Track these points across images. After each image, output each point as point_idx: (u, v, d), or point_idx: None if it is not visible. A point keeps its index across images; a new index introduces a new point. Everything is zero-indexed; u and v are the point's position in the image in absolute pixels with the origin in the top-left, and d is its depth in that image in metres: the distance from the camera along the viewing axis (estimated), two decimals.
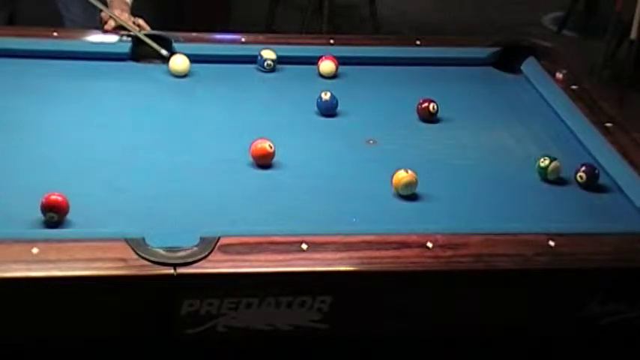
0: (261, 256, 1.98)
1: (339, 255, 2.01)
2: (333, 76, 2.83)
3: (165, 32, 2.91)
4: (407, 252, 2.03)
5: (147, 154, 2.39)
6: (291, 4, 5.35)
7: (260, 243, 2.00)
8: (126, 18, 2.97)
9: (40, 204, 2.06)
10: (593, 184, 2.38)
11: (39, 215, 2.06)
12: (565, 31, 5.77)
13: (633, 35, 4.78)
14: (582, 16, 5.88)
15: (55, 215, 2.05)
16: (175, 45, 2.85)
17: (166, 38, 2.87)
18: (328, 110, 2.64)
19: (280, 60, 2.84)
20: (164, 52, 2.80)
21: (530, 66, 2.94)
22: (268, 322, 1.99)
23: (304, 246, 2.00)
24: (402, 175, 2.28)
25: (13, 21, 3.56)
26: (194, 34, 2.97)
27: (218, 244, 1.98)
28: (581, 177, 2.38)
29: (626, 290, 2.12)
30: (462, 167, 2.45)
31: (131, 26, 2.91)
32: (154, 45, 2.83)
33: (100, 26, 2.97)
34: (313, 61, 2.85)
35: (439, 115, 2.66)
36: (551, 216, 2.27)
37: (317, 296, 1.97)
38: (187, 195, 2.23)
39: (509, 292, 2.08)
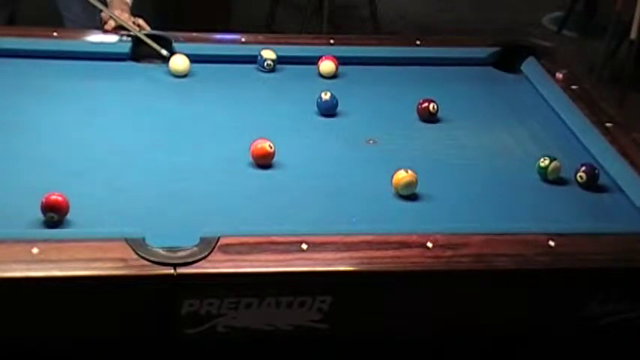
0: (261, 256, 1.98)
1: (339, 255, 2.01)
2: (333, 76, 2.83)
3: (165, 32, 2.91)
4: (407, 252, 2.03)
5: (147, 154, 2.39)
6: (291, 4, 5.35)
7: (260, 243, 2.00)
8: (126, 18, 2.97)
9: (40, 204, 2.06)
10: (593, 184, 2.38)
11: (39, 215, 2.06)
12: (565, 31, 5.78)
13: (633, 35, 4.78)
14: (582, 16, 5.88)
15: (55, 215, 2.05)
16: (175, 45, 2.85)
17: (166, 38, 2.87)
18: (328, 110, 2.64)
19: (280, 60, 2.84)
20: (164, 52, 2.81)
21: (530, 66, 2.94)
22: (268, 322, 1.99)
23: (304, 246, 2.00)
24: (402, 175, 2.28)
25: (13, 21, 3.56)
26: (194, 34, 2.97)
27: (218, 244, 1.98)
28: (581, 177, 2.38)
29: (626, 290, 2.12)
30: (462, 167, 2.45)
31: (131, 26, 2.91)
32: (154, 45, 2.83)
33: (100, 26, 2.97)
34: (313, 61, 2.85)
35: (439, 115, 2.66)
36: (551, 216, 2.27)
37: (317, 296, 1.97)
38: (187, 195, 2.23)
39: (509, 292, 2.08)
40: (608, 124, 2.60)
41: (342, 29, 5.18)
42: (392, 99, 2.77)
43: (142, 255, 1.92)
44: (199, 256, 1.94)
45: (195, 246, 1.96)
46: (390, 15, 5.51)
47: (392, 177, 2.28)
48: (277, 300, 1.96)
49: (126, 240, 1.95)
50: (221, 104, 2.68)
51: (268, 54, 2.83)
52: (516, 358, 2.20)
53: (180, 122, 2.56)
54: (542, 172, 2.39)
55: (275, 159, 2.37)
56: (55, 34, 2.87)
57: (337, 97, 2.64)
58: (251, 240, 2.01)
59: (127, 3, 3.07)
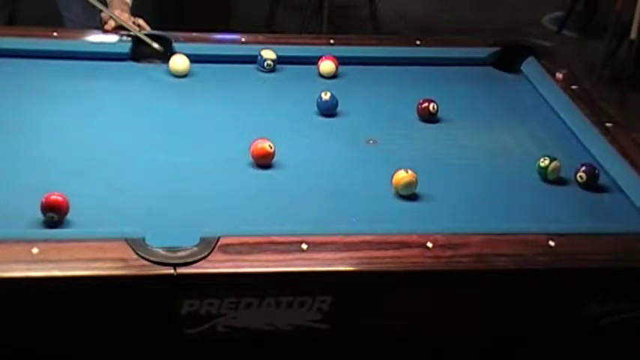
0: (261, 256, 1.98)
1: (339, 255, 2.01)
2: (333, 76, 2.83)
3: (165, 32, 2.91)
4: (407, 252, 2.03)
5: (147, 154, 2.39)
6: (291, 4, 5.35)
7: (260, 243, 2.00)
8: (126, 18, 2.97)
9: (40, 204, 2.06)
10: (593, 184, 2.38)
11: (39, 215, 2.06)
12: (565, 31, 5.78)
13: (633, 35, 4.78)
14: (582, 16, 5.88)
15: (55, 215, 2.05)
16: (175, 45, 2.85)
17: (166, 38, 2.87)
18: (328, 110, 2.64)
19: (280, 60, 2.84)
20: (155, 45, 2.80)
21: (530, 66, 2.94)
22: (268, 322, 1.99)
23: (304, 246, 2.00)
24: (402, 175, 2.28)
25: (14, 21, 3.56)
26: (194, 34, 2.96)
27: (218, 244, 1.98)
28: (581, 177, 2.38)
29: (626, 290, 2.12)
30: (461, 167, 2.45)
31: (131, 26, 2.91)
32: (154, 44, 2.82)
33: (100, 26, 2.97)
34: (313, 61, 2.85)
35: (439, 115, 2.66)
36: (551, 216, 2.27)
37: (317, 296, 1.97)
38: (187, 195, 2.23)
39: (509, 292, 2.08)
40: (608, 124, 2.60)
41: (342, 29, 5.18)
42: (392, 99, 2.77)
43: (142, 255, 1.92)
44: (199, 256, 1.94)
45: (195, 246, 1.96)
46: (390, 15, 5.51)
47: (392, 177, 2.28)
48: (277, 300, 1.96)
49: (126, 240, 1.95)
50: (221, 104, 2.68)
51: (268, 54, 2.83)
52: (516, 358, 2.20)
53: (180, 122, 2.56)
54: (542, 172, 2.39)
55: (275, 159, 2.37)
56: (55, 34, 2.87)
57: (337, 97, 2.64)
58: (251, 240, 2.01)
59: (126, 3, 3.07)
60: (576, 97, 2.74)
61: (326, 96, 2.63)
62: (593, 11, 5.93)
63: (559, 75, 2.87)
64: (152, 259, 1.92)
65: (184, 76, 2.76)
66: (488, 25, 5.56)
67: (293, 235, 2.03)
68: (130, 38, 2.87)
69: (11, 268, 1.90)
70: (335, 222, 2.15)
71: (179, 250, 1.95)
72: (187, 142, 2.47)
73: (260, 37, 3.06)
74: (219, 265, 1.95)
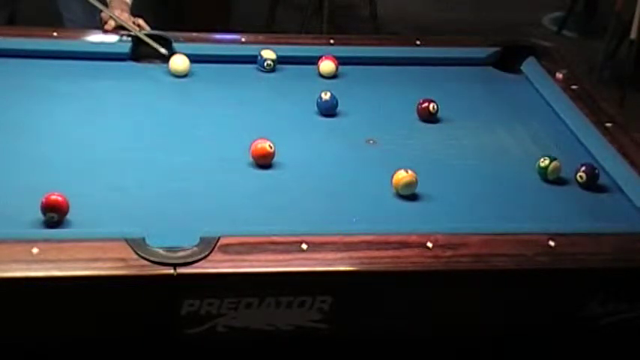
0: (261, 256, 1.98)
1: (339, 255, 2.01)
2: (333, 76, 2.83)
3: (165, 32, 2.91)
4: (407, 252, 2.03)
5: (147, 154, 2.39)
6: (291, 4, 5.35)
7: (260, 243, 2.00)
8: (126, 18, 2.96)
9: (40, 204, 2.06)
10: (593, 184, 2.38)
11: (39, 215, 2.06)
12: (565, 31, 5.78)
13: (633, 35, 4.78)
14: (582, 16, 5.89)
15: (55, 215, 2.05)
16: (175, 45, 2.84)
17: (166, 38, 2.87)
18: (328, 110, 2.64)
19: (280, 60, 2.84)
20: (163, 50, 2.80)
21: (530, 66, 2.94)
22: (268, 322, 1.99)
23: (304, 246, 2.00)
24: (402, 175, 2.28)
25: (13, 21, 3.56)
26: (194, 34, 2.96)
27: (218, 244, 1.98)
28: (581, 177, 2.38)
29: (626, 290, 2.12)
30: (462, 167, 2.45)
31: (131, 26, 2.91)
32: (154, 44, 2.82)
33: (100, 26, 2.97)
34: (313, 61, 2.85)
35: (439, 115, 2.66)
36: (551, 216, 2.27)
37: (317, 296, 1.97)
38: (187, 195, 2.23)
39: (509, 292, 2.08)
40: (608, 124, 2.60)
41: (342, 29, 5.18)
42: (392, 99, 2.77)
43: (142, 255, 1.92)
44: (199, 256, 1.94)
45: (195, 246, 1.96)
46: (390, 15, 5.51)
47: (392, 177, 2.28)
48: (277, 300, 1.96)
49: (126, 240, 1.95)
50: (221, 104, 2.68)
51: (268, 54, 2.83)
52: (516, 358, 2.20)
53: (180, 122, 2.56)
54: (542, 172, 2.39)
55: (275, 159, 2.37)
56: (55, 34, 2.87)
57: (337, 97, 2.64)
58: (251, 240, 2.01)
59: (126, 3, 3.06)
60: (576, 97, 2.74)
61: (326, 96, 2.63)
62: (593, 11, 5.93)
63: (559, 75, 2.87)
64: (152, 259, 1.92)
65: (184, 76, 2.76)
66: (489, 25, 5.56)
67: (293, 235, 2.03)
68: (129, 38, 2.87)
69: (11, 268, 1.89)
70: (335, 222, 2.15)
71: (179, 250, 1.95)
72: (187, 142, 2.47)
73: (260, 37, 3.06)
74: (219, 265, 1.95)
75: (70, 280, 1.90)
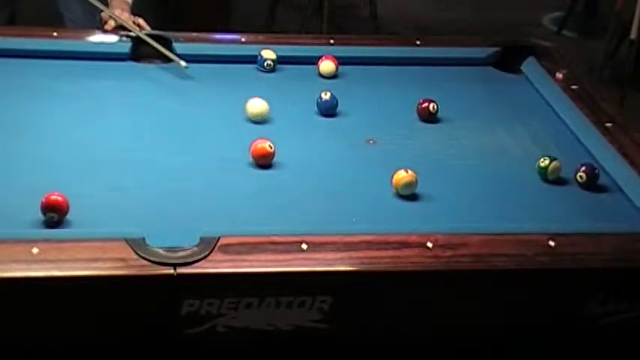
0: (261, 256, 1.98)
1: (339, 255, 2.01)
2: (333, 76, 2.83)
3: (165, 32, 2.91)
4: (407, 252, 2.03)
5: (147, 154, 2.39)
6: (291, 4, 5.35)
7: (260, 243, 2.00)
8: (126, 17, 2.96)
9: (40, 204, 2.06)
10: (593, 184, 2.38)
11: (39, 215, 2.06)
12: (565, 31, 5.78)
13: (633, 35, 4.78)
14: (582, 16, 5.89)
15: (55, 215, 2.05)
16: (175, 45, 2.84)
17: (166, 38, 2.87)
18: (328, 110, 2.64)
19: (280, 60, 2.84)
20: (183, 62, 2.74)
21: (530, 66, 2.94)
22: (268, 322, 1.99)
23: (304, 246, 2.00)
24: (402, 175, 2.28)
25: (14, 21, 3.56)
26: (194, 34, 2.96)
27: (218, 244, 1.98)
28: (581, 177, 2.38)
29: (626, 290, 2.12)
30: (462, 167, 2.45)
31: (131, 26, 2.91)
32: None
33: (100, 26, 2.97)
34: (313, 61, 2.85)
35: (439, 115, 2.66)
36: (551, 216, 2.27)
37: (317, 296, 1.97)
38: (187, 195, 2.23)
39: (509, 292, 2.08)
40: (608, 124, 2.60)
41: (342, 29, 5.18)
42: (392, 99, 2.77)
43: (142, 255, 1.92)
44: (199, 256, 1.94)
45: (195, 246, 1.96)
46: (390, 15, 5.51)
47: (392, 177, 2.28)
48: (277, 300, 1.96)
49: (126, 240, 1.95)
50: (221, 104, 2.68)
51: (268, 54, 2.83)
52: (516, 358, 2.20)
53: (180, 122, 2.56)
54: (542, 172, 2.39)
55: (275, 159, 2.37)
56: (55, 34, 2.87)
57: (337, 97, 2.64)
58: (251, 240, 2.01)
59: (127, 2, 3.06)
60: (576, 97, 2.74)
61: (326, 96, 2.63)
62: (593, 11, 5.93)
63: (559, 75, 2.87)
64: (152, 259, 1.92)
65: (262, 121, 2.56)
66: (489, 25, 5.56)
67: (293, 235, 2.03)
68: (129, 38, 2.87)
69: (11, 268, 1.89)
70: (335, 222, 2.15)
71: (179, 250, 1.95)
72: (187, 142, 2.47)
73: (260, 37, 3.06)
74: (219, 265, 1.95)
75: (70, 280, 1.90)
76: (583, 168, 2.39)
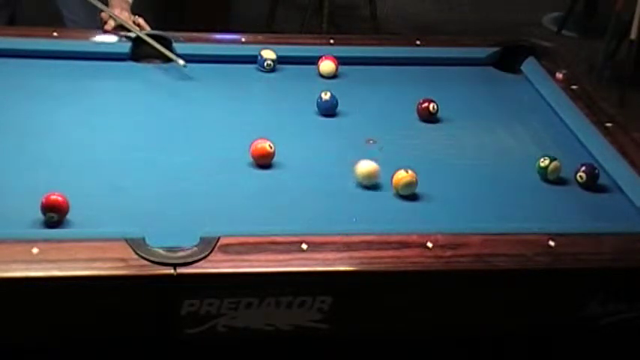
0: (261, 256, 1.98)
1: (339, 255, 2.01)
2: (333, 76, 2.83)
3: (165, 32, 2.91)
4: (407, 252, 2.03)
5: (147, 154, 2.39)
6: (291, 4, 5.35)
7: (260, 243, 2.00)
8: (126, 17, 2.96)
9: (40, 204, 2.06)
10: (593, 184, 2.38)
11: (39, 215, 2.06)
12: (565, 31, 5.78)
13: (633, 35, 4.78)
14: (582, 16, 5.88)
15: (55, 215, 2.05)
16: (175, 45, 2.84)
17: (166, 38, 2.87)
18: (328, 110, 2.64)
19: (280, 60, 2.84)
20: (181, 61, 2.75)
21: (530, 66, 2.94)
22: (268, 322, 1.99)
23: (304, 246, 2.00)
24: (402, 175, 2.28)
25: (14, 21, 3.56)
26: (194, 34, 2.96)
27: (218, 244, 1.98)
28: (581, 177, 2.38)
29: (626, 290, 2.12)
30: (462, 167, 2.45)
31: (131, 26, 2.91)
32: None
33: (100, 26, 2.97)
34: (313, 61, 2.84)
35: (439, 115, 2.66)
36: (551, 216, 2.27)
37: (317, 296, 1.97)
38: (187, 195, 2.23)
39: (509, 292, 2.08)
40: (608, 124, 2.60)
41: (342, 29, 5.18)
42: (392, 99, 2.77)
43: (142, 255, 1.92)
44: (199, 256, 1.94)
45: (195, 246, 1.96)
46: (390, 15, 5.51)
47: (392, 177, 2.28)
48: (277, 300, 1.96)
49: (126, 240, 1.95)
50: (221, 104, 2.68)
51: (268, 54, 2.83)
52: (516, 358, 2.20)
53: (180, 122, 2.56)
54: (542, 172, 2.39)
55: (275, 159, 2.37)
56: (55, 34, 2.86)
57: (337, 97, 2.64)
58: (251, 240, 2.01)
59: (127, 2, 3.06)
60: (576, 97, 2.74)
61: (326, 96, 2.63)
62: (593, 11, 5.93)
63: (559, 75, 2.87)
64: (152, 259, 1.92)
65: (371, 185, 2.33)
66: (489, 25, 5.56)
67: (293, 235, 2.03)
68: (129, 38, 2.87)
69: (11, 268, 1.89)
70: (335, 222, 2.15)
71: (179, 250, 1.95)
72: (187, 142, 2.47)
73: (260, 37, 3.05)
74: (219, 265, 1.95)
75: (70, 280, 1.90)
76: (583, 168, 2.39)
